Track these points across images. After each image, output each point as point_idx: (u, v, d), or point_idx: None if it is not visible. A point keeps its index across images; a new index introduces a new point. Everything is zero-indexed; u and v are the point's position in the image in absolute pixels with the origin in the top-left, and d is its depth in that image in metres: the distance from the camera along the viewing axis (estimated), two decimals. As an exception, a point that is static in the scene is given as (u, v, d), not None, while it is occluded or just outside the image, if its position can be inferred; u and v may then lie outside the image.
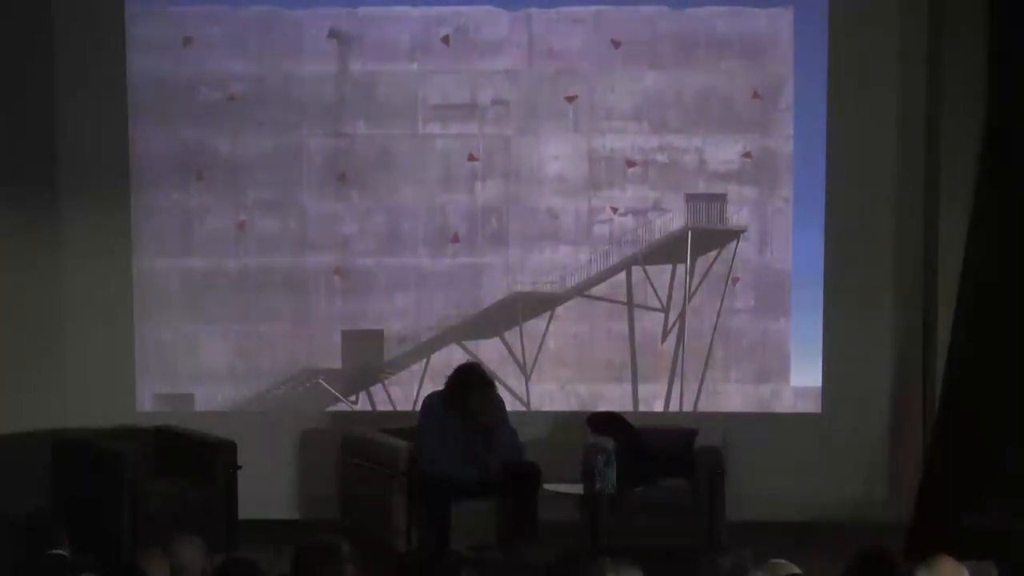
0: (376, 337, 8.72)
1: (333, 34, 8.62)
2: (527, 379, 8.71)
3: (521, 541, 7.51)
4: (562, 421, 8.48)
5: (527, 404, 8.70)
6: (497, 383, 8.31)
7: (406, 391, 8.69)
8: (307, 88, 8.63)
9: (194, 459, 7.97)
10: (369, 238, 8.68)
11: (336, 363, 8.72)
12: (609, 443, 7.35)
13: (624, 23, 8.56)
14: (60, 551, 5.44)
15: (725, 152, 8.60)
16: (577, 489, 7.43)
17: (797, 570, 5.01)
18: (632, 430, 7.85)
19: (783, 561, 5.05)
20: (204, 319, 8.73)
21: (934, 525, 7.55)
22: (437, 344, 8.71)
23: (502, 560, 7.51)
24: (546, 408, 8.66)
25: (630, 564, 4.82)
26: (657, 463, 7.79)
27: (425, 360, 8.71)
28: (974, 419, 7.70)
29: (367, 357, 8.72)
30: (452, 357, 8.57)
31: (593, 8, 8.55)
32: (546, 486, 7.58)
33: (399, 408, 8.65)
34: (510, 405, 8.23)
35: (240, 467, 7.89)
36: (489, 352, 8.67)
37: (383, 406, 8.70)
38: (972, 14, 7.97)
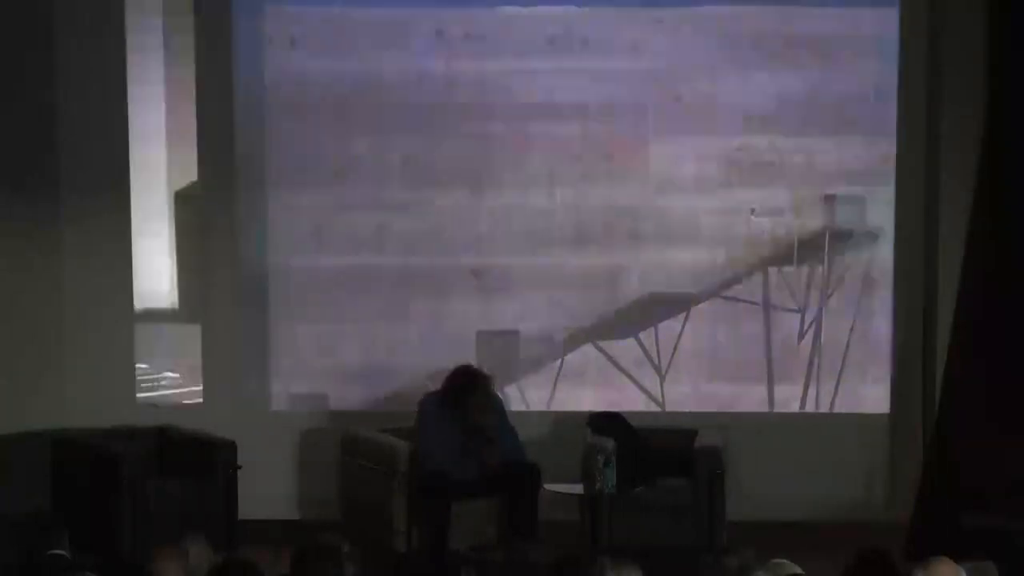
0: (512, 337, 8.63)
1: (438, 34, 8.48)
2: (662, 380, 8.61)
3: (521, 541, 7.51)
4: (562, 421, 8.47)
5: (662, 405, 8.62)
6: (496, 383, 8.33)
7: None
8: (423, 88, 8.47)
9: (194, 459, 7.97)
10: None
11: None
12: (609, 443, 7.35)
13: (751, 21, 8.39)
14: (60, 551, 5.44)
15: (862, 153, 8.46)
16: (577, 489, 7.43)
17: (798, 570, 5.01)
18: (632, 430, 7.85)
19: (784, 561, 5.05)
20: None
21: (934, 525, 7.55)
22: (571, 344, 8.61)
23: (502, 560, 7.52)
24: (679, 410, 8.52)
25: (630, 564, 4.82)
26: (657, 463, 7.79)
27: (559, 360, 8.61)
28: (974, 419, 7.70)
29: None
30: (587, 358, 8.52)
31: (721, 8, 8.37)
32: (546, 486, 7.58)
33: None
34: (643, 406, 8.19)
35: (240, 467, 7.89)
36: (622, 352, 8.58)
37: (518, 407, 8.52)
38: (972, 14, 7.97)
